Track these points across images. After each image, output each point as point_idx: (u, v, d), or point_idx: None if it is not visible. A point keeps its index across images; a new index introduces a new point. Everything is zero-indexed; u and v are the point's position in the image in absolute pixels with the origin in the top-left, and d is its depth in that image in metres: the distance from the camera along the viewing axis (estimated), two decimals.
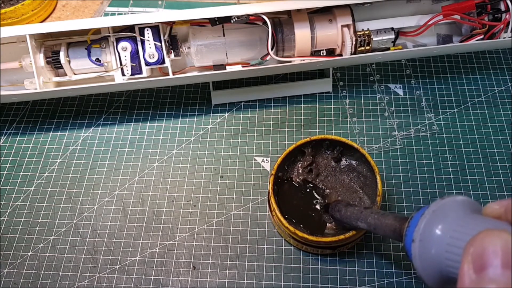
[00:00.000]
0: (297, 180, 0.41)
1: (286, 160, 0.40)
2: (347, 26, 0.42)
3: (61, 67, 0.42)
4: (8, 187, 0.44)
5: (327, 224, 0.39)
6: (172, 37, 0.42)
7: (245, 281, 0.39)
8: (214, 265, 0.39)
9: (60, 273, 0.39)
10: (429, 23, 0.43)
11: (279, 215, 0.37)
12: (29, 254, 0.40)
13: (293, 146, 0.40)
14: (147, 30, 0.41)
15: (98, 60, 0.42)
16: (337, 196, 0.40)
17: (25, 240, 0.41)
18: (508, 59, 0.51)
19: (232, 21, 0.40)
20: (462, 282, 0.18)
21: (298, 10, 0.42)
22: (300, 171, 0.41)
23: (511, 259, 0.17)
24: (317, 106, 0.48)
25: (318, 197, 0.40)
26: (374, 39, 0.42)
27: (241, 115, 0.48)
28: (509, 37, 0.43)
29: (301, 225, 0.38)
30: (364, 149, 0.45)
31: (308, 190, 0.41)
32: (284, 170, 0.41)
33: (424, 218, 0.24)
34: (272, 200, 0.38)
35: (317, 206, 0.40)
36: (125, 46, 0.41)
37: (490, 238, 0.18)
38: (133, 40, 0.41)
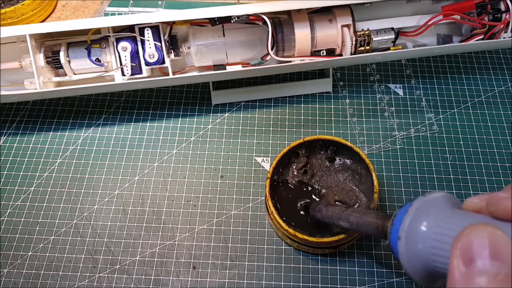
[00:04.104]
0: (293, 181, 0.41)
1: (281, 163, 0.40)
2: (347, 26, 0.42)
3: (61, 67, 0.42)
4: (8, 187, 0.44)
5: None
6: (172, 37, 0.42)
7: (245, 281, 0.39)
8: (214, 265, 0.39)
9: (60, 273, 0.39)
10: (429, 23, 0.43)
11: (277, 218, 0.37)
12: (29, 254, 0.40)
13: (287, 148, 0.40)
14: (147, 30, 0.41)
15: (98, 60, 0.42)
16: (334, 196, 0.40)
17: (25, 240, 0.41)
18: (508, 59, 0.51)
19: (232, 21, 0.40)
20: (452, 275, 0.19)
21: (298, 10, 0.42)
22: (295, 172, 0.41)
23: (498, 251, 0.18)
24: (317, 106, 0.48)
25: (315, 197, 0.40)
26: (374, 39, 0.42)
27: (241, 115, 0.48)
28: (509, 37, 0.43)
29: (300, 227, 0.38)
30: (364, 149, 0.45)
31: (304, 191, 0.40)
32: (280, 173, 0.41)
33: (409, 215, 0.24)
34: (270, 203, 0.38)
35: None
36: (125, 46, 0.41)
37: (477, 232, 0.19)
38: (133, 40, 0.41)
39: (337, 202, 0.40)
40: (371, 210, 0.34)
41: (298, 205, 0.40)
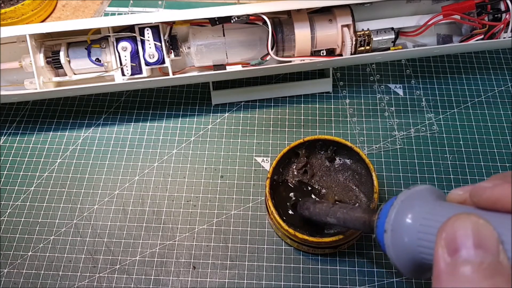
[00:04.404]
0: (293, 182, 0.41)
1: (281, 163, 0.40)
2: (347, 26, 0.42)
3: (61, 67, 0.42)
4: (8, 187, 0.44)
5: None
6: (172, 37, 0.42)
7: (245, 281, 0.39)
8: (214, 265, 0.39)
9: (60, 273, 0.39)
10: (429, 23, 0.43)
11: (277, 218, 0.37)
12: (29, 254, 0.40)
13: (287, 148, 0.40)
14: (147, 30, 0.41)
15: (98, 60, 0.42)
16: (334, 196, 0.40)
17: (25, 240, 0.41)
18: (508, 59, 0.51)
19: (232, 21, 0.40)
20: (438, 265, 0.19)
21: (298, 10, 0.42)
22: (295, 172, 0.41)
23: (482, 240, 0.18)
24: (317, 106, 0.48)
25: (315, 197, 0.40)
26: (374, 39, 0.42)
27: (241, 115, 0.48)
28: (509, 37, 0.43)
29: (300, 227, 0.38)
30: (364, 149, 0.45)
31: (304, 191, 0.40)
32: (280, 173, 0.41)
33: (394, 208, 0.24)
34: (270, 203, 0.38)
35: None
36: (125, 46, 0.41)
37: (461, 222, 0.19)
38: (133, 40, 0.41)
39: (337, 202, 0.39)
40: (358, 206, 0.34)
41: (288, 203, 0.39)
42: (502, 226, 0.18)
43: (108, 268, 0.39)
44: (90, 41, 0.42)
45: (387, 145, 0.46)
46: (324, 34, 0.42)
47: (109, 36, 0.41)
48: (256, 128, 0.47)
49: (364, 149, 0.45)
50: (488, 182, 0.21)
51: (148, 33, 0.41)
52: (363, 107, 0.48)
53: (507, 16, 0.43)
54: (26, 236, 0.41)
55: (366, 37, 0.42)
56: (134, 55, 0.42)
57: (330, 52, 0.44)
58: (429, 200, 0.23)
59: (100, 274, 0.39)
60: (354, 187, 0.40)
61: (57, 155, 0.46)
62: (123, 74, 0.42)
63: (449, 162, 0.44)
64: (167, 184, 0.44)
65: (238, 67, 0.44)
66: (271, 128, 0.47)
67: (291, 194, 0.40)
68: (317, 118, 0.48)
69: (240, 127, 0.47)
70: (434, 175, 0.43)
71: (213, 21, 0.41)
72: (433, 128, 0.46)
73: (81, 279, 0.39)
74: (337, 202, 0.39)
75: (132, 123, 0.48)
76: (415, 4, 0.45)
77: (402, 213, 0.24)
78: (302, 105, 0.48)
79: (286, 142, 0.46)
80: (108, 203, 0.43)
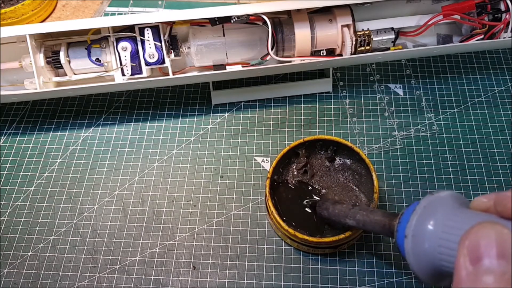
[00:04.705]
0: (293, 181, 0.41)
1: (281, 163, 0.40)
2: (347, 26, 0.42)
3: (61, 67, 0.42)
4: (8, 187, 0.44)
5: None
6: (172, 37, 0.42)
7: (245, 281, 0.39)
8: (214, 265, 0.39)
9: (60, 273, 0.39)
10: (429, 23, 0.43)
11: (277, 218, 0.37)
12: (29, 254, 0.40)
13: (287, 148, 0.40)
14: (147, 30, 0.41)
15: (98, 60, 0.42)
16: (334, 196, 0.40)
17: (25, 240, 0.41)
18: (508, 59, 0.51)
19: (232, 21, 0.40)
20: (459, 274, 0.19)
21: (298, 10, 0.42)
22: (295, 172, 0.41)
23: (505, 250, 0.18)
24: (317, 106, 0.48)
25: (315, 197, 0.40)
26: (374, 39, 0.42)
27: (241, 115, 0.48)
28: (509, 37, 0.43)
29: (300, 227, 0.38)
30: (364, 149, 0.45)
31: (304, 191, 0.40)
32: (280, 173, 0.41)
33: (416, 213, 0.24)
34: (270, 203, 0.38)
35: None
36: (125, 46, 0.41)
37: (485, 231, 0.19)
38: (133, 40, 0.41)
39: (357, 204, 0.39)
40: (378, 209, 0.34)
41: (305, 202, 0.39)
42: None
43: (108, 268, 0.39)
44: (90, 41, 0.42)
45: (387, 145, 0.45)
46: (324, 34, 0.42)
47: (109, 36, 0.41)
48: (256, 128, 0.47)
49: (364, 149, 0.45)
50: None
51: (148, 33, 0.41)
52: (363, 107, 0.48)
53: (507, 16, 0.42)
54: (26, 236, 0.41)
55: (366, 37, 0.42)
56: (134, 55, 0.42)
57: (330, 52, 0.44)
58: (452, 207, 0.23)
59: (100, 274, 0.39)
60: (354, 187, 0.40)
61: (57, 155, 0.46)
62: (123, 74, 0.42)
63: (449, 162, 0.44)
64: (167, 184, 0.44)
65: (238, 67, 0.44)
66: (271, 128, 0.47)
67: (290, 196, 0.40)
68: (317, 118, 0.48)
69: (240, 127, 0.47)
70: (434, 175, 0.43)
71: (213, 21, 0.41)
72: (433, 128, 0.46)
73: (81, 279, 0.39)
74: (357, 204, 0.39)
75: (132, 123, 0.48)
76: (415, 4, 0.45)
77: (424, 219, 0.23)
78: (302, 105, 0.48)
79: (286, 142, 0.46)
80: (108, 203, 0.43)
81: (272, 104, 0.49)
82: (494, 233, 0.18)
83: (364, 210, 0.32)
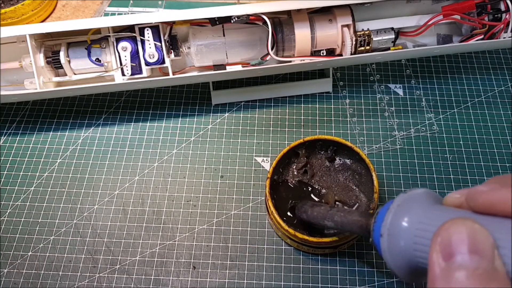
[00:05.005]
0: (293, 181, 0.41)
1: (281, 163, 0.40)
2: (347, 26, 0.42)
3: (61, 67, 0.42)
4: (8, 187, 0.44)
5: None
6: (172, 37, 0.42)
7: (245, 281, 0.39)
8: (214, 265, 0.39)
9: (60, 273, 0.39)
10: (429, 23, 0.43)
11: (277, 218, 0.37)
12: (29, 254, 0.40)
13: (287, 148, 0.40)
14: (147, 30, 0.41)
15: (98, 60, 0.42)
16: (334, 196, 0.40)
17: (25, 240, 0.41)
18: (508, 59, 0.51)
19: (232, 21, 0.40)
20: (433, 270, 0.19)
21: (298, 10, 0.42)
22: (295, 172, 0.41)
23: (477, 245, 0.18)
24: (317, 106, 0.48)
25: (315, 197, 0.40)
26: (374, 39, 0.42)
27: (241, 115, 0.48)
28: (509, 37, 0.43)
29: (300, 227, 0.38)
30: (364, 149, 0.45)
31: (304, 191, 0.40)
32: (280, 173, 0.41)
33: (390, 212, 0.24)
34: (270, 203, 0.38)
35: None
36: (125, 46, 0.41)
37: (456, 227, 0.19)
38: (133, 40, 0.41)
39: (337, 203, 0.40)
40: (355, 210, 0.34)
41: (288, 206, 0.39)
42: (498, 231, 0.18)
43: (108, 268, 0.39)
44: (90, 41, 0.42)
45: (387, 145, 0.46)
46: (324, 34, 0.42)
47: (109, 36, 0.41)
48: (256, 128, 0.47)
49: (364, 149, 0.45)
50: (485, 186, 0.21)
51: (148, 33, 0.41)
52: (363, 107, 0.48)
53: (507, 16, 0.43)
54: (26, 236, 0.41)
55: (366, 37, 0.42)
56: (134, 55, 0.42)
57: (330, 52, 0.44)
58: (426, 204, 0.23)
59: (100, 274, 0.39)
60: (354, 187, 0.40)
61: (57, 155, 0.46)
62: (123, 74, 0.42)
63: (449, 162, 0.44)
64: (167, 184, 0.44)
65: (238, 67, 0.44)
66: (271, 128, 0.47)
67: (290, 196, 0.40)
68: (317, 118, 0.48)
69: (240, 127, 0.47)
70: (434, 175, 0.43)
71: (213, 21, 0.41)
72: (433, 128, 0.46)
73: (81, 279, 0.39)
74: (337, 203, 0.39)
75: (132, 123, 0.48)
76: (415, 4, 0.45)
77: (398, 217, 0.23)
78: (302, 105, 0.48)
79: (286, 142, 0.46)
80: (108, 203, 0.43)
81: (272, 104, 0.49)
82: (465, 228, 0.18)
83: (342, 211, 0.32)
